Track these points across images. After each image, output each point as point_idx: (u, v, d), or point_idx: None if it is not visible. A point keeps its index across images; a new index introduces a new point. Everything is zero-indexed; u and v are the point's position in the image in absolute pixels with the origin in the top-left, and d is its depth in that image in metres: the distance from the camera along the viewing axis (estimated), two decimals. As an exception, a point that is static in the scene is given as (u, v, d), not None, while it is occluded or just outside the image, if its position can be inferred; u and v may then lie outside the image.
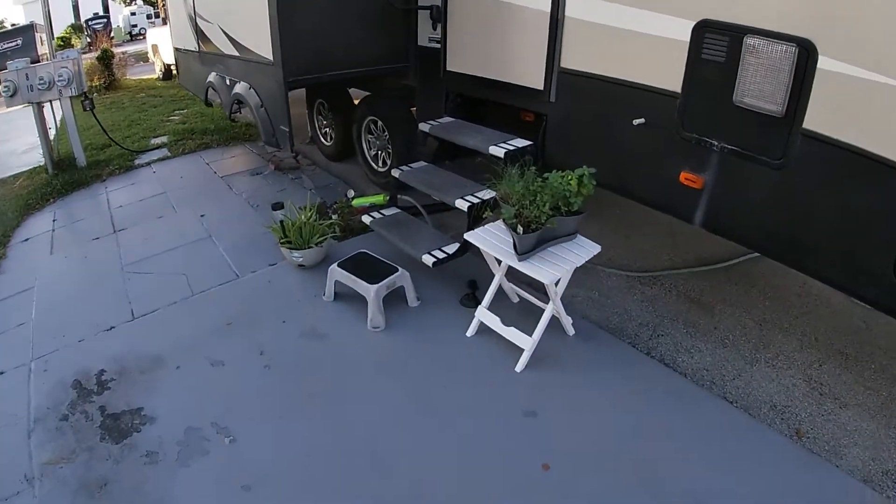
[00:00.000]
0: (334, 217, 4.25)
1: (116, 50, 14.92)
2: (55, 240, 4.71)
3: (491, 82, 3.73)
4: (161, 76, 12.44)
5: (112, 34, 23.81)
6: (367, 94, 5.10)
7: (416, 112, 4.61)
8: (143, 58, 16.22)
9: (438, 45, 4.05)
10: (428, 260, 3.29)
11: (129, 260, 4.18)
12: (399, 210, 3.85)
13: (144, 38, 16.72)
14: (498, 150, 3.41)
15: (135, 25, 28.30)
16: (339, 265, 3.35)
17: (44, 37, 9.44)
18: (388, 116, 4.67)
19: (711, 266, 3.76)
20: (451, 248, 3.37)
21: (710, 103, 2.57)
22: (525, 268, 2.75)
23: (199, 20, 5.41)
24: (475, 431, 2.54)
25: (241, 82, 4.61)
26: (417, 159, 3.93)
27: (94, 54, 12.05)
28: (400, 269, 3.33)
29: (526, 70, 3.48)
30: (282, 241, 3.71)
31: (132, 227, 4.76)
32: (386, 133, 4.72)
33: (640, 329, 3.21)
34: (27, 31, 9.23)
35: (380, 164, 4.97)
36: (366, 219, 3.78)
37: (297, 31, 3.84)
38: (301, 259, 3.71)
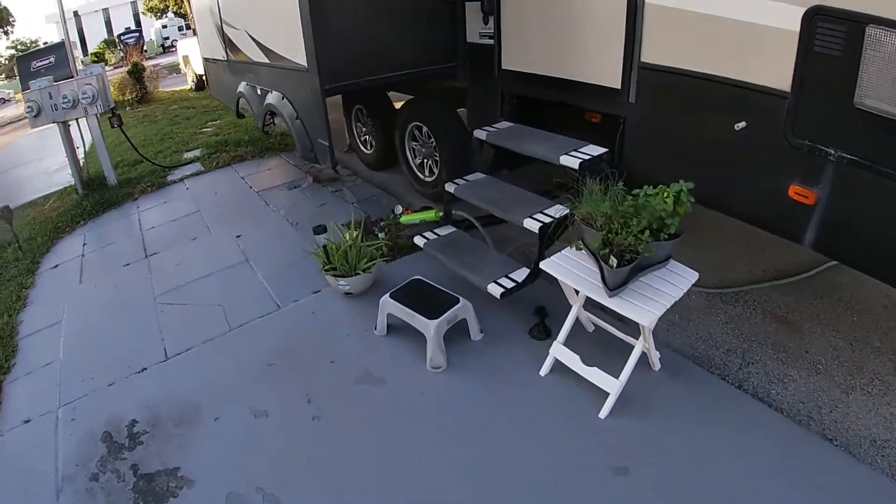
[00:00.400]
0: (381, 236, 3.87)
1: (150, 63, 15.01)
2: (85, 266, 4.45)
3: (555, 81, 3.28)
4: (193, 87, 12.37)
5: (145, 48, 24.20)
6: (410, 97, 4.71)
7: (468, 116, 4.19)
8: (175, 69, 16.32)
9: (491, 41, 3.62)
10: (495, 290, 2.86)
11: (162, 289, 3.88)
12: (454, 229, 3.44)
13: (176, 49, 16.79)
14: (571, 160, 2.96)
15: (167, 38, 28.71)
16: (391, 296, 2.96)
17: (76, 53, 9.37)
18: (434, 121, 4.26)
19: (793, 278, 3.33)
20: (520, 276, 2.94)
21: (825, 105, 2.14)
22: (617, 305, 2.31)
23: (225, 27, 5.11)
24: (557, 496, 2.15)
25: (273, 92, 4.26)
26: (472, 170, 3.51)
27: (126, 68, 12.07)
28: (461, 299, 2.91)
29: (599, 66, 3.02)
30: (325, 267, 3.34)
31: (164, 250, 4.47)
32: (432, 140, 4.31)
33: (728, 357, 2.80)
34: (60, 48, 9.16)
35: (426, 173, 4.57)
36: (418, 240, 3.37)
37: (333, 33, 3.47)
38: (348, 287, 3.34)
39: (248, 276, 3.85)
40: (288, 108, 4.05)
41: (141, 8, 30.03)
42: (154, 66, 14.82)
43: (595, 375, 2.50)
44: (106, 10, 32.48)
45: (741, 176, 2.58)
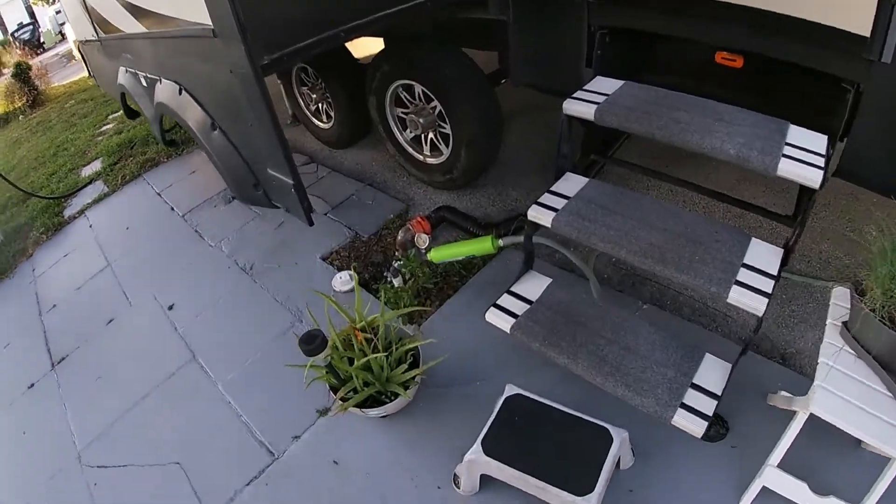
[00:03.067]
0: (396, 283, 2.46)
1: (49, 54, 12.55)
2: (-30, 400, 2.99)
3: (714, 7, 1.76)
4: (90, 73, 10.05)
5: (42, 39, 21.04)
6: (384, 45, 3.06)
7: (512, 64, 2.57)
8: (72, 56, 13.63)
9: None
10: (692, 427, 1.57)
11: (87, 436, 2.49)
12: (548, 281, 2.02)
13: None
14: (803, 171, 1.56)
15: (62, 23, 24.60)
16: (487, 450, 1.63)
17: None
18: (436, 78, 2.67)
19: None
20: (714, 378, 1.64)
21: None
22: None
23: (86, -4, 3.27)
24: None
25: (163, 81, 2.55)
26: (562, 170, 2.02)
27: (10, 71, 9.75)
28: (611, 431, 1.61)
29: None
30: (341, 395, 1.95)
31: (75, 350, 3.00)
32: (435, 105, 2.76)
33: None
34: None
35: (428, 151, 3.06)
36: (496, 319, 1.93)
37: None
38: (383, 413, 1.99)
39: (205, 391, 2.46)
40: (193, 109, 2.35)
41: (31, -1, 25.57)
42: (53, 56, 12.34)
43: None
44: (-6, 9, 27.56)
45: None
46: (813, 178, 1.56)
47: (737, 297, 1.56)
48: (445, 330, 2.37)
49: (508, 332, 1.88)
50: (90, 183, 4.80)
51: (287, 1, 1.91)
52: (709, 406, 1.61)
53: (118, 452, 2.37)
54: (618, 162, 2.23)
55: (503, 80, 2.86)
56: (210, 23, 1.87)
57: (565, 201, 1.90)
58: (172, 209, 3.93)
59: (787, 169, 1.59)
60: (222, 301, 2.92)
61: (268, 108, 1.77)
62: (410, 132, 3.04)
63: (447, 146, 2.87)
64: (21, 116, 8.73)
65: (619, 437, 1.61)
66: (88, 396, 2.69)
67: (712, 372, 1.69)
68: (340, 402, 1.90)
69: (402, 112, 3.00)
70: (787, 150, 1.64)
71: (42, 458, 2.48)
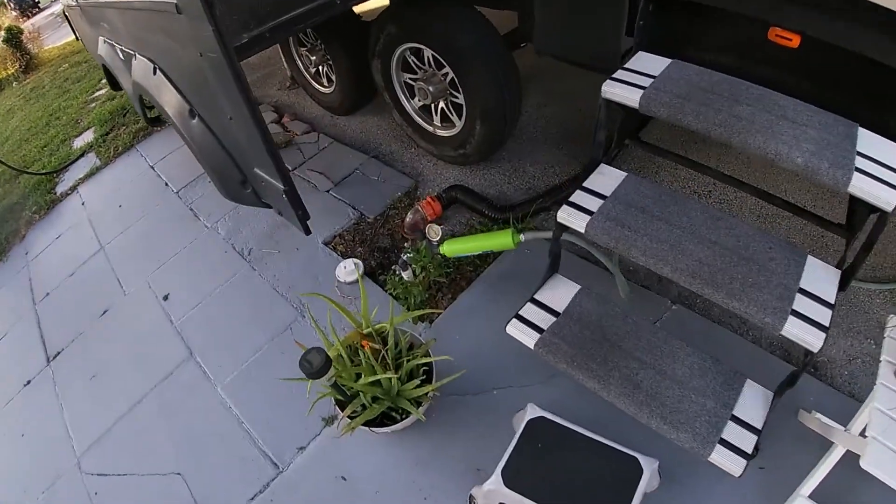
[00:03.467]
0: (406, 276, 2.25)
1: (43, 14, 12.04)
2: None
3: None
4: (76, 37, 9.60)
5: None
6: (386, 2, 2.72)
7: (537, 32, 2.18)
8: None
9: None
10: (731, 465, 1.39)
11: (85, 440, 2.37)
12: (577, 289, 1.78)
13: (58, -6, 13.57)
14: (877, 190, 1.33)
15: None
16: (506, 480, 1.46)
17: None
18: (447, 42, 2.35)
19: None
20: (754, 404, 1.46)
21: None
22: None
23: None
24: None
25: (138, 57, 2.26)
26: (596, 161, 1.74)
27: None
28: (640, 459, 1.42)
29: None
30: (349, 413, 1.76)
31: (69, 344, 2.85)
32: (446, 72, 2.46)
33: None
34: None
35: (438, 122, 2.78)
36: (522, 335, 1.70)
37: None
38: (391, 431, 1.81)
39: (204, 394, 2.30)
40: (168, 93, 2.02)
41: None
42: (48, 15, 11.87)
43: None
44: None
45: None
46: (888, 199, 1.30)
47: (792, 329, 1.34)
48: (459, 328, 2.17)
49: (532, 348, 1.66)
50: (82, 155, 4.56)
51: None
52: (748, 442, 1.43)
53: (118, 459, 2.24)
54: (655, 150, 1.94)
55: (523, 45, 2.53)
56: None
57: (601, 202, 1.63)
58: (167, 184, 3.69)
59: (860, 186, 1.32)
60: (219, 291, 2.73)
61: (246, 102, 1.47)
62: (419, 100, 2.75)
63: (460, 118, 2.58)
64: (15, 83, 8.43)
65: (650, 468, 1.44)
66: (85, 396, 2.55)
67: (753, 402, 1.50)
68: (348, 421, 1.72)
69: (410, 78, 2.69)
70: (860, 163, 1.36)
71: (41, 464, 2.37)
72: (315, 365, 1.49)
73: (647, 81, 1.62)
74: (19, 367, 2.88)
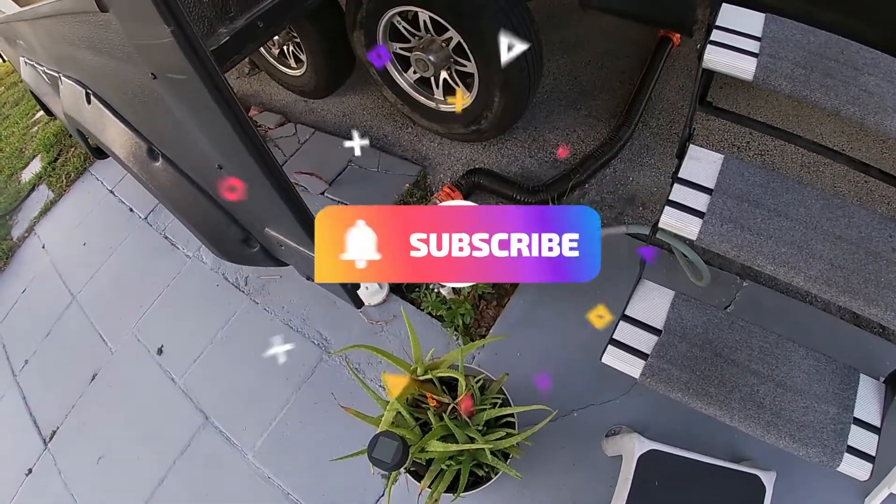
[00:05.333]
0: (443, 291, 1.88)
1: None
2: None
3: None
4: (3, 57, 8.58)
5: None
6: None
7: None
8: None
9: None
10: (859, 473, 1.23)
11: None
12: (671, 295, 1.43)
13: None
14: None
15: None
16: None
17: None
18: (457, 2, 1.88)
19: None
20: (871, 406, 1.23)
21: None
22: None
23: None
24: None
25: (65, 81, 1.71)
26: (686, 137, 1.35)
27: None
28: (761, 475, 1.33)
29: None
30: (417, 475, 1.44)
31: (65, 421, 2.48)
32: (450, 37, 2.00)
33: None
34: None
35: (437, 93, 2.33)
36: (615, 362, 1.35)
37: None
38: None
39: (234, 466, 1.96)
40: (113, 127, 1.45)
41: None
42: None
43: None
44: None
45: None
46: None
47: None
48: (512, 344, 1.84)
49: (638, 380, 1.33)
50: (33, 189, 4.03)
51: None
52: (871, 444, 1.23)
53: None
54: (735, 117, 1.56)
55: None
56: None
57: (707, 197, 1.28)
58: (131, 210, 3.23)
59: None
60: (221, 336, 2.35)
61: (250, 145, 0.95)
62: (415, 73, 2.30)
63: (469, 90, 2.15)
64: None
65: (770, 482, 1.34)
66: (97, 485, 2.21)
67: (869, 396, 1.29)
68: (429, 493, 1.39)
69: (402, 48, 2.23)
70: None
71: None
72: (394, 459, 1.14)
73: (753, 45, 1.26)
74: (15, 453, 2.52)
